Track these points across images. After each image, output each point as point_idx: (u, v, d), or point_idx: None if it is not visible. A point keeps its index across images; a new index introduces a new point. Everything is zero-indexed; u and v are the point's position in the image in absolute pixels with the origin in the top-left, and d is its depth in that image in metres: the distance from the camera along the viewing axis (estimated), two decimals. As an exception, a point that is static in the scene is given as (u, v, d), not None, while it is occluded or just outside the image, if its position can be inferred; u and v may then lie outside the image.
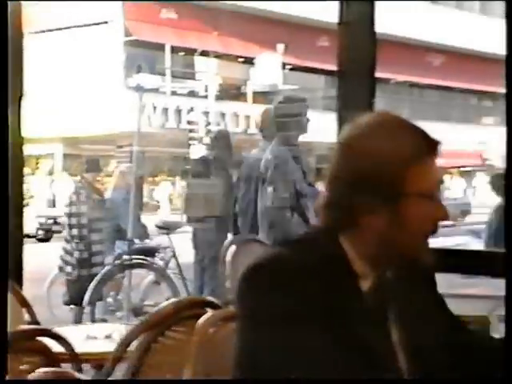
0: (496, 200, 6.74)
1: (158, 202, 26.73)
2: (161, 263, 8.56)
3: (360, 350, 1.63)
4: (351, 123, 1.80)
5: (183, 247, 8.35)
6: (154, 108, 24.82)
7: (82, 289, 7.56)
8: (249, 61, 28.46)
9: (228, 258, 5.16)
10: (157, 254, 8.64)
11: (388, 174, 1.68)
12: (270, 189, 5.51)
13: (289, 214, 5.53)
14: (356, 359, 1.61)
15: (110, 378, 2.39)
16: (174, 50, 27.20)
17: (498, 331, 2.44)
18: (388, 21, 28.31)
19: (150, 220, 9.97)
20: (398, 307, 1.78)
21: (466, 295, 3.79)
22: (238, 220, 6.24)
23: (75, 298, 7.76)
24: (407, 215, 1.69)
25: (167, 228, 8.94)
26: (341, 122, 2.96)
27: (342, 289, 1.67)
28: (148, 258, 8.25)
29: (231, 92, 29.28)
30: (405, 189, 1.68)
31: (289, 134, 5.62)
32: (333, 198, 1.74)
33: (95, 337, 4.13)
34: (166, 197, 27.24)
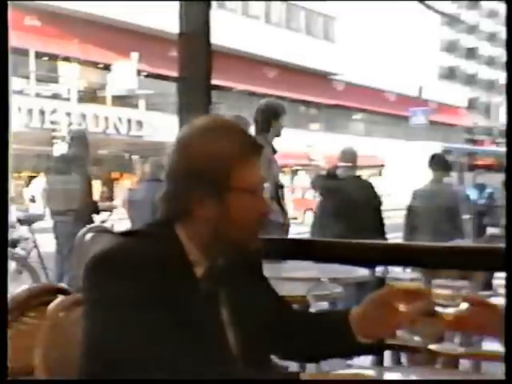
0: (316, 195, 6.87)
1: (34, 197, 25.88)
2: (22, 253, 8.29)
3: (195, 331, 1.63)
4: (187, 125, 1.81)
5: (46, 238, 8.15)
6: (19, 109, 23.96)
7: None
8: (107, 67, 28.00)
9: (82, 247, 5.08)
10: (18, 245, 8.38)
11: (216, 170, 1.69)
12: None
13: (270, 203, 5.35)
14: (191, 339, 1.61)
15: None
16: (38, 55, 26.36)
17: (314, 309, 2.49)
18: (230, 36, 28.58)
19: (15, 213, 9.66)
20: (228, 291, 1.77)
21: (288, 278, 3.87)
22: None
23: None
24: (234, 208, 1.70)
25: (29, 221, 8.73)
26: (181, 124, 2.94)
27: (178, 275, 1.66)
28: (9, 249, 7.99)
29: (91, 95, 28.72)
30: (231, 184, 1.69)
31: (267, 134, 5.45)
32: (169, 191, 1.74)
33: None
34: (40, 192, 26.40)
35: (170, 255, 1.68)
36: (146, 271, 1.60)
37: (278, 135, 5.57)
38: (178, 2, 2.95)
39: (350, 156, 6.60)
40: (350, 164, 6.53)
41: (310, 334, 1.89)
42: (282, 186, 5.66)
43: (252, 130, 5.45)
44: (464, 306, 1.69)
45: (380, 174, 28.29)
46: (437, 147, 27.20)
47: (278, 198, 5.53)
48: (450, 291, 1.71)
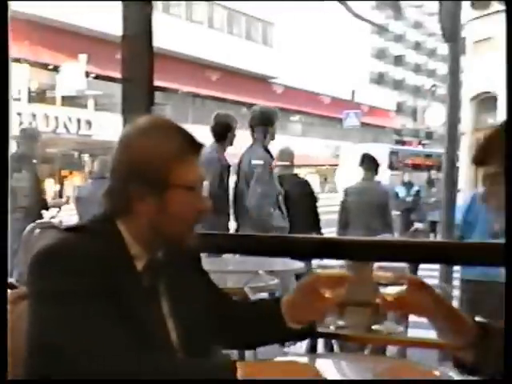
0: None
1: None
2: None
3: (136, 323, 1.61)
4: (128, 124, 1.80)
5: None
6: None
7: None
8: (56, 68, 27.56)
9: (29, 242, 4.99)
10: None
11: (155, 168, 1.67)
12: (259, 189, 5.38)
13: (272, 209, 5.46)
14: (133, 331, 1.58)
15: None
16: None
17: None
18: (175, 40, 28.43)
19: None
20: (167, 284, 1.76)
21: (227, 271, 3.87)
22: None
23: None
24: (173, 205, 1.69)
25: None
26: (125, 123, 2.90)
27: (119, 269, 1.64)
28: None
29: (42, 96, 28.23)
30: (170, 182, 1.68)
31: (265, 140, 5.55)
32: (112, 187, 1.73)
33: None
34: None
35: (112, 249, 1.66)
36: (89, 265, 1.58)
37: (272, 139, 5.64)
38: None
39: (287, 155, 6.65)
40: (287, 163, 6.58)
41: (246, 323, 1.90)
42: (280, 192, 5.71)
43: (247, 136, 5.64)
44: (403, 287, 1.71)
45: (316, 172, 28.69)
46: (385, 148, 27.74)
47: (278, 203, 5.59)
48: (390, 273, 1.73)
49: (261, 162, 5.43)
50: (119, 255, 1.68)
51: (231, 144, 5.69)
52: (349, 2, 2.70)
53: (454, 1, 3.24)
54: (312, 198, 6.56)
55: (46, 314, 1.54)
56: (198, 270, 1.93)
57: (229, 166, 5.73)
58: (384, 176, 20.75)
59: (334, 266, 1.80)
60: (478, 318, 1.76)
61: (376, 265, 1.77)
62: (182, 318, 1.75)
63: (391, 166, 26.00)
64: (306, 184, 6.67)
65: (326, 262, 4.33)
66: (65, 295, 1.55)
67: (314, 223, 6.41)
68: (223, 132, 5.65)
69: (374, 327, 1.89)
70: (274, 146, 6.67)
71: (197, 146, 1.75)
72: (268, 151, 5.55)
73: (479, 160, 1.60)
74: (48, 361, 1.55)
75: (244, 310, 1.95)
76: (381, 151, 27.48)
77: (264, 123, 5.57)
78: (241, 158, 5.68)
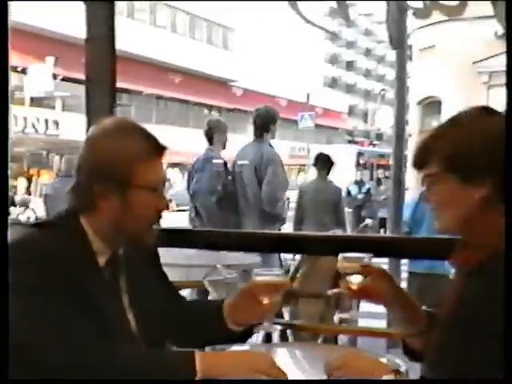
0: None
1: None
2: None
3: (99, 314, 1.61)
4: (95, 125, 1.78)
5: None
6: None
7: None
8: (24, 70, 27.12)
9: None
10: None
11: (119, 168, 1.67)
12: (276, 182, 5.44)
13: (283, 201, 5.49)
14: (96, 322, 1.59)
15: None
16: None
17: (211, 293, 2.49)
18: (140, 44, 28.23)
19: None
20: (127, 278, 1.76)
21: (187, 265, 3.84)
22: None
23: None
24: (134, 204, 1.68)
25: None
26: (89, 123, 2.89)
27: (82, 264, 1.64)
28: None
29: (10, 97, 27.75)
30: (132, 182, 1.67)
31: (267, 136, 5.60)
32: (77, 185, 1.72)
33: None
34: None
35: (76, 245, 1.66)
36: (53, 260, 1.58)
37: (273, 137, 5.68)
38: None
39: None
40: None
41: (191, 322, 1.90)
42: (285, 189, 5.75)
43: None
44: (367, 277, 1.73)
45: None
46: (353, 150, 28.01)
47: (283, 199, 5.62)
48: (355, 263, 1.74)
49: (275, 158, 5.49)
50: (82, 250, 1.67)
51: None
52: (303, 10, 2.70)
53: (400, 10, 3.27)
54: None
55: (12, 308, 1.50)
56: (155, 265, 1.92)
57: (226, 165, 5.84)
58: (351, 174, 20.98)
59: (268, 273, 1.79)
60: (424, 308, 1.78)
61: (341, 255, 1.77)
62: (140, 309, 1.75)
63: (358, 165, 26.49)
64: None
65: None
66: (29, 289, 1.54)
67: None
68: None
69: (341, 316, 1.89)
70: (237, 146, 6.70)
71: (160, 149, 1.73)
72: (272, 147, 5.62)
73: (417, 163, 1.61)
74: (18, 354, 1.52)
75: (190, 308, 1.96)
76: (350, 151, 27.88)
77: (269, 122, 5.61)
78: (241, 153, 5.70)
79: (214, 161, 5.86)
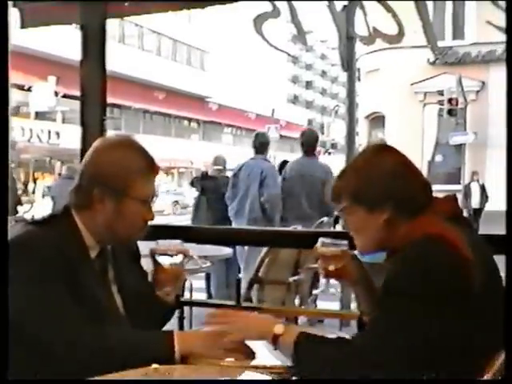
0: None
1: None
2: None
3: (91, 300, 1.60)
4: (103, 137, 1.80)
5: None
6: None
7: None
8: (29, 89, 26.75)
9: None
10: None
11: (118, 178, 1.65)
12: (278, 191, 5.55)
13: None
14: (88, 307, 1.58)
15: None
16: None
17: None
18: (129, 66, 28.02)
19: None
20: (115, 269, 1.77)
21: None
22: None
23: None
24: (126, 212, 1.68)
25: None
26: (84, 133, 2.88)
27: (76, 256, 1.63)
28: None
29: (18, 111, 27.37)
30: (128, 192, 1.66)
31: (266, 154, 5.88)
32: (79, 185, 1.70)
33: None
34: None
35: (70, 240, 1.64)
36: (50, 253, 1.56)
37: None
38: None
39: (221, 161, 6.66)
40: (221, 167, 6.64)
41: (161, 311, 1.88)
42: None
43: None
44: (344, 260, 1.76)
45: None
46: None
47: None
48: (333, 248, 1.75)
49: (275, 172, 5.67)
50: (76, 245, 1.65)
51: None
52: (268, 36, 2.70)
53: (349, 38, 3.31)
54: None
55: (15, 296, 1.49)
56: (137, 259, 1.91)
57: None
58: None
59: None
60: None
61: (321, 239, 1.78)
62: (126, 296, 1.75)
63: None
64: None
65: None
66: (29, 278, 1.52)
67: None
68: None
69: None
70: (212, 153, 6.71)
71: (155, 167, 1.73)
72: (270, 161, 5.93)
73: (333, 199, 1.66)
74: (20, 339, 1.50)
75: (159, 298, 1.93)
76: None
77: (266, 143, 5.87)
78: (243, 168, 5.80)
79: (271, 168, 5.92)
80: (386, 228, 1.56)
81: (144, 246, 1.89)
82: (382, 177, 1.56)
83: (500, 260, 1.53)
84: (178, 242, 1.87)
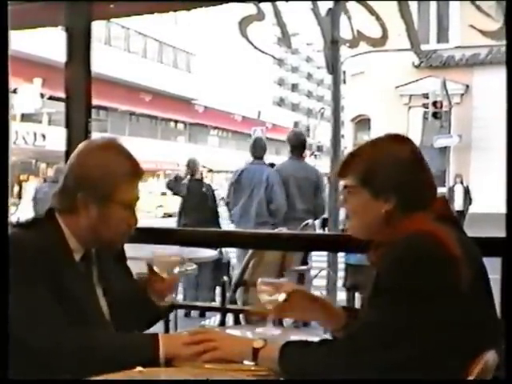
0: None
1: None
2: None
3: (76, 303, 1.60)
4: (88, 140, 1.82)
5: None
6: None
7: None
8: (15, 90, 26.54)
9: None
10: None
11: (102, 183, 1.64)
12: (284, 194, 5.54)
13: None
14: (73, 309, 1.58)
15: None
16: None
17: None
18: (115, 68, 27.90)
19: None
20: (99, 272, 1.76)
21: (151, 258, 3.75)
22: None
23: None
24: (110, 216, 1.67)
25: None
26: (69, 135, 2.85)
27: (61, 259, 1.62)
28: None
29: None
30: (112, 197, 1.65)
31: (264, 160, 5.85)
32: (63, 189, 1.68)
33: None
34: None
35: (55, 243, 1.63)
36: (35, 255, 1.55)
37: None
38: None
39: (194, 164, 6.67)
40: (193, 170, 6.74)
41: (142, 306, 1.86)
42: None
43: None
44: (282, 296, 1.68)
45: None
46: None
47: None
48: (271, 287, 1.70)
49: (279, 178, 5.63)
50: (61, 248, 1.64)
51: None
52: (253, 39, 2.71)
53: (334, 41, 3.33)
54: (212, 198, 6.66)
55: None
56: (122, 262, 1.90)
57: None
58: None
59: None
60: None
61: (260, 280, 1.76)
62: (110, 299, 1.74)
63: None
64: (209, 186, 6.82)
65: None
66: (13, 282, 1.48)
67: (215, 218, 6.55)
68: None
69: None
70: (198, 156, 6.72)
71: (140, 172, 1.71)
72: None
73: (338, 173, 1.62)
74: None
75: (142, 295, 1.91)
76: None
77: (264, 148, 5.88)
78: (243, 173, 5.79)
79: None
80: (384, 219, 1.54)
81: (137, 250, 1.88)
82: (397, 167, 1.54)
83: (491, 262, 1.54)
84: (176, 248, 1.86)
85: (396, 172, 1.54)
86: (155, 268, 1.82)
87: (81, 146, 1.72)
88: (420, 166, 1.58)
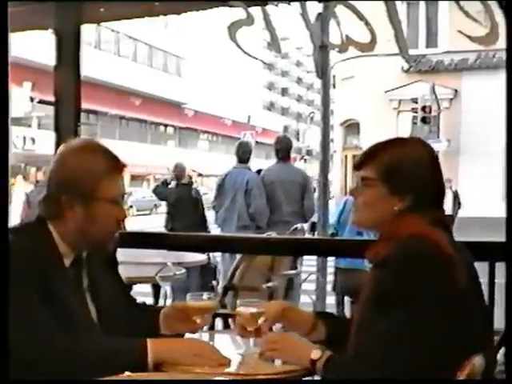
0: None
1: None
2: None
3: (65, 308, 1.60)
4: (64, 143, 1.75)
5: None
6: None
7: None
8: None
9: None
10: None
11: (84, 183, 1.65)
12: (265, 199, 5.56)
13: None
14: (61, 317, 1.57)
15: None
16: None
17: (163, 287, 2.44)
18: (105, 71, 27.84)
19: None
20: (89, 278, 1.75)
21: (141, 262, 3.73)
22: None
23: None
24: (96, 214, 1.67)
25: None
26: (58, 139, 2.86)
27: (50, 265, 1.62)
28: None
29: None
30: (95, 195, 1.65)
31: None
32: (47, 195, 1.68)
33: None
34: None
35: (44, 248, 1.63)
36: (24, 260, 1.55)
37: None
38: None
39: (180, 168, 6.70)
40: (180, 175, 6.75)
41: (135, 319, 1.85)
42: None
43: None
44: (261, 320, 1.68)
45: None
46: None
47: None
48: (250, 311, 1.69)
49: (260, 182, 5.66)
50: (50, 253, 1.64)
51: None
52: (242, 44, 2.71)
53: (323, 46, 3.34)
54: (199, 201, 6.67)
55: None
56: (112, 268, 1.89)
57: None
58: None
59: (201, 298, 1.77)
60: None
61: (239, 301, 1.77)
62: (100, 304, 1.74)
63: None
64: (196, 190, 6.83)
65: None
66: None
67: (203, 222, 6.54)
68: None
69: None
70: (187, 160, 6.72)
71: (120, 166, 1.72)
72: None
73: (359, 163, 1.64)
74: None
75: (136, 308, 1.92)
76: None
77: (249, 152, 5.95)
78: (227, 177, 5.82)
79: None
80: (395, 216, 1.56)
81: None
82: (418, 169, 1.57)
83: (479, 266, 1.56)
84: (205, 294, 1.82)
85: (416, 174, 1.57)
86: (189, 312, 1.77)
87: (59, 150, 1.73)
88: (437, 171, 1.62)
